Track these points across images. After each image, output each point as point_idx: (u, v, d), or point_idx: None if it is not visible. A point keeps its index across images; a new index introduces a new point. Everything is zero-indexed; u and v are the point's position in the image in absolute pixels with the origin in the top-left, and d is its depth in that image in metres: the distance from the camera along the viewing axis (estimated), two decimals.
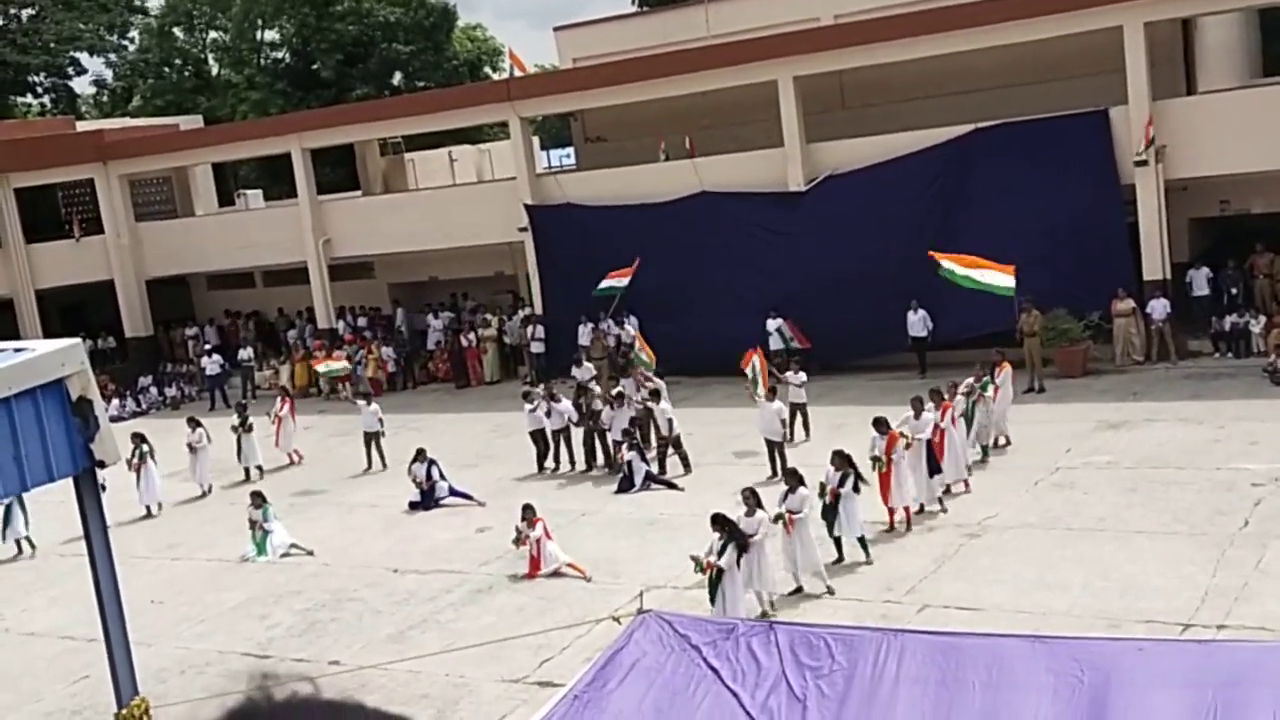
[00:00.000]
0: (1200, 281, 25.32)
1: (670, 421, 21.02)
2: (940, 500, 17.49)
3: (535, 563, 16.85)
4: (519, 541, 16.94)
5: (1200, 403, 21.60)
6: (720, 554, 13.56)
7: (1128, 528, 15.89)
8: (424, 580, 17.31)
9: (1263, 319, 24.43)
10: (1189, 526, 15.63)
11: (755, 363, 21.00)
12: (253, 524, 19.47)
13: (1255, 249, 25.76)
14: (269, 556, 19.10)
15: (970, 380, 19.49)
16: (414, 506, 20.81)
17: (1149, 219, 24.59)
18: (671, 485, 20.41)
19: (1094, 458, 19.10)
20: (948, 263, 22.67)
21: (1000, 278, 22.21)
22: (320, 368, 29.64)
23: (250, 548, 19.33)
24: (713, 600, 13.59)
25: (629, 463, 20.49)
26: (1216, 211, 26.46)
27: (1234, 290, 25.35)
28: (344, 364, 29.51)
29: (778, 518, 14.66)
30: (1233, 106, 24.80)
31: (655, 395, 21.72)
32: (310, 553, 19.10)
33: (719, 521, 13.87)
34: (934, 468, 17.29)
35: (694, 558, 13.88)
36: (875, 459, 16.61)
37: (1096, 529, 16.00)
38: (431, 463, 20.96)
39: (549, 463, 22.28)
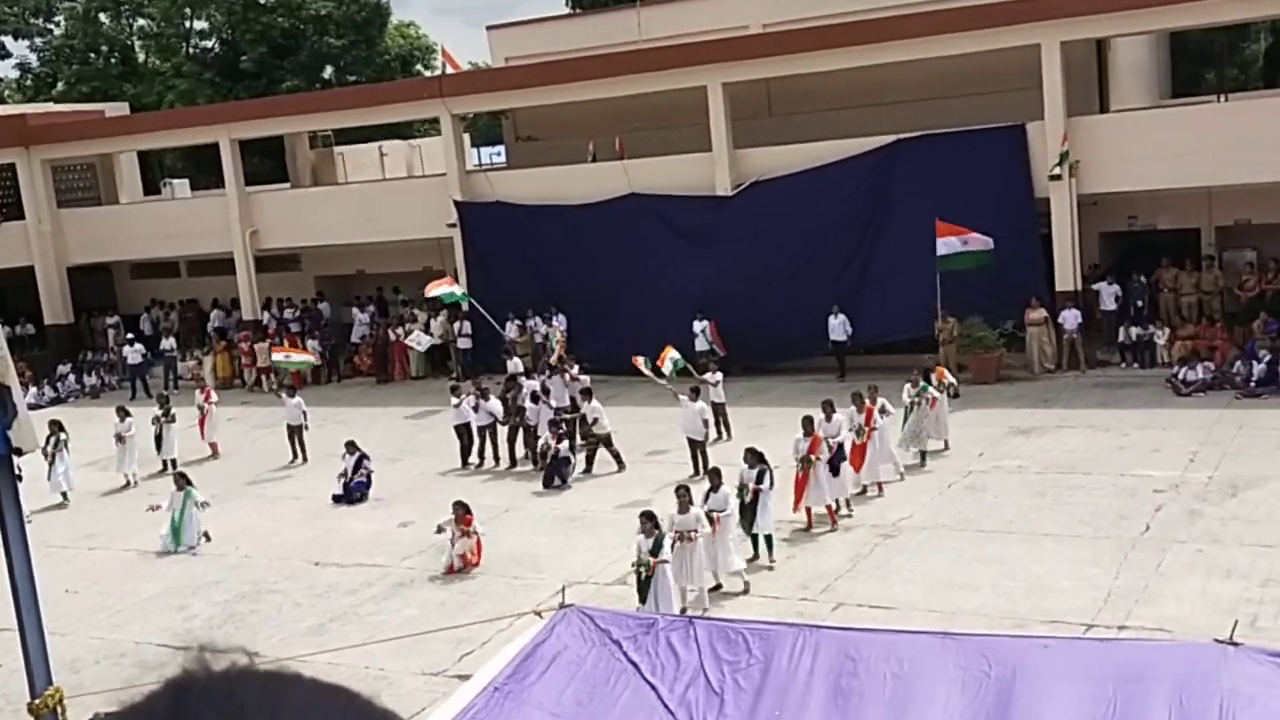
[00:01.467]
0: (1108, 294, 26.05)
1: (597, 420, 21.25)
2: (848, 503, 17.84)
3: (471, 560, 17.00)
4: (441, 530, 17.06)
5: (1107, 411, 22.27)
6: (656, 550, 13.76)
7: (1035, 530, 16.39)
8: (345, 573, 17.37)
9: (1167, 331, 25.24)
10: (1094, 530, 16.16)
11: (674, 357, 21.40)
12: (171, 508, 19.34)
13: (1160, 263, 26.57)
14: (186, 543, 19.03)
15: (908, 387, 19.87)
16: (337, 500, 20.85)
17: (1062, 232, 25.29)
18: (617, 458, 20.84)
19: (1005, 462, 19.65)
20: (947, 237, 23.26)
21: (979, 246, 23.06)
22: (278, 356, 29.37)
23: (166, 532, 19.18)
24: (643, 599, 13.70)
25: (556, 451, 20.57)
26: (1125, 226, 27.25)
27: (1140, 303, 26.12)
28: (307, 358, 29.03)
29: (706, 516, 14.85)
30: (1143, 125, 25.60)
31: (587, 394, 21.94)
32: (207, 536, 19.09)
33: (648, 518, 14.02)
34: (835, 469, 17.57)
35: (634, 564, 13.99)
36: (804, 460, 16.90)
37: (1006, 531, 16.49)
38: (362, 456, 21.02)
39: (473, 458, 22.42)
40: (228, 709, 0.99)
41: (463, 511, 16.99)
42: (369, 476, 21.09)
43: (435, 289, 27.14)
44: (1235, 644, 7.64)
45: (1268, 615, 13.01)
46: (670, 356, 21.55)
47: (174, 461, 23.85)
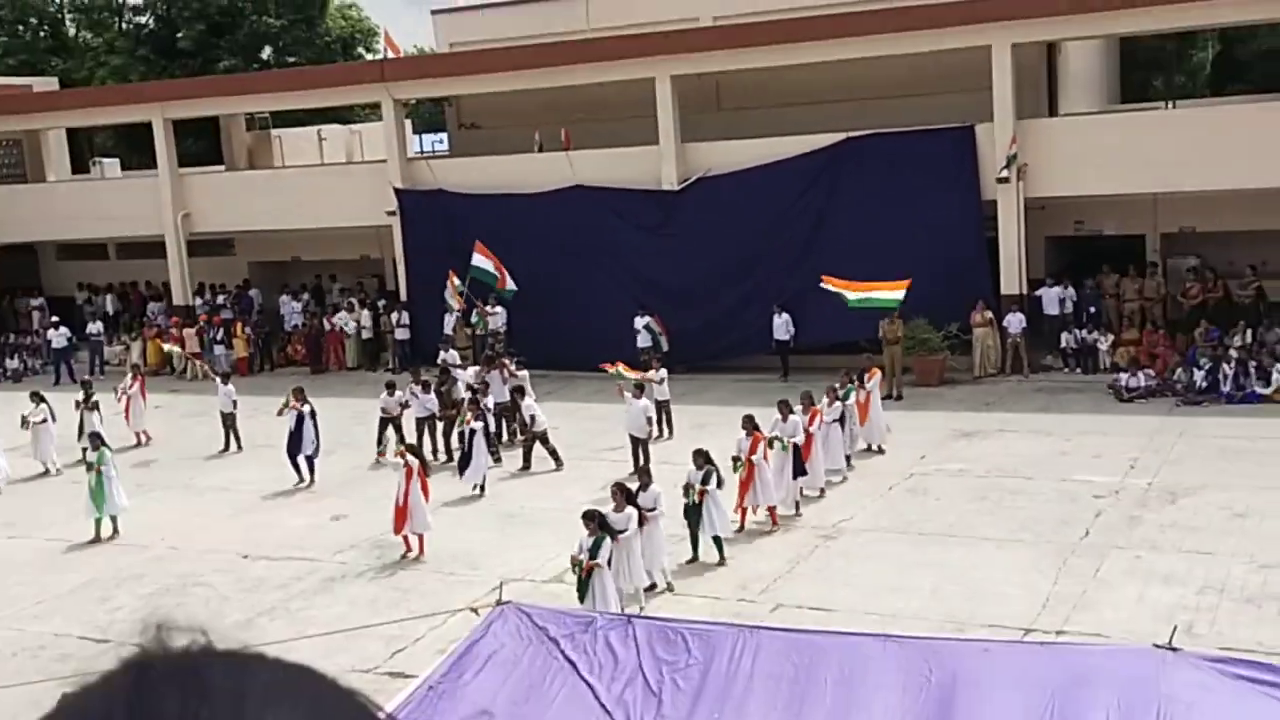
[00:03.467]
0: (1051, 299, 26.12)
1: (534, 418, 20.90)
2: (797, 504, 17.70)
3: (401, 514, 16.65)
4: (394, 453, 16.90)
5: (1049, 415, 22.32)
6: (594, 552, 13.46)
7: (976, 534, 16.32)
8: (275, 567, 16.94)
9: (1110, 337, 25.35)
10: (1034, 535, 16.11)
11: (620, 370, 21.16)
12: (89, 466, 18.80)
13: (1102, 269, 26.70)
14: (111, 505, 18.51)
15: (835, 387, 19.71)
16: (293, 459, 20.73)
17: (1008, 235, 25.34)
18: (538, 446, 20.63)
19: (947, 465, 19.59)
20: (840, 290, 23.09)
21: (890, 294, 22.83)
22: (171, 348, 28.99)
23: (90, 504, 18.62)
24: (582, 598, 13.41)
25: (472, 432, 19.77)
26: (1072, 231, 27.37)
27: (1094, 308, 26.21)
28: (172, 347, 29.54)
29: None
30: (1091, 130, 25.68)
31: (520, 391, 21.60)
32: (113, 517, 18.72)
33: (591, 518, 13.73)
34: (799, 470, 17.50)
35: (573, 559, 13.67)
36: (735, 459, 16.73)
37: (947, 534, 16.39)
38: (310, 411, 20.69)
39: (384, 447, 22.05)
40: (192, 688, 0.96)
41: (412, 463, 16.88)
42: (316, 431, 20.80)
43: (481, 261, 27.17)
44: (1174, 649, 7.64)
45: (1204, 622, 13.01)
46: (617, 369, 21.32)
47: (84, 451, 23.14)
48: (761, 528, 17.08)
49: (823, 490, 18.44)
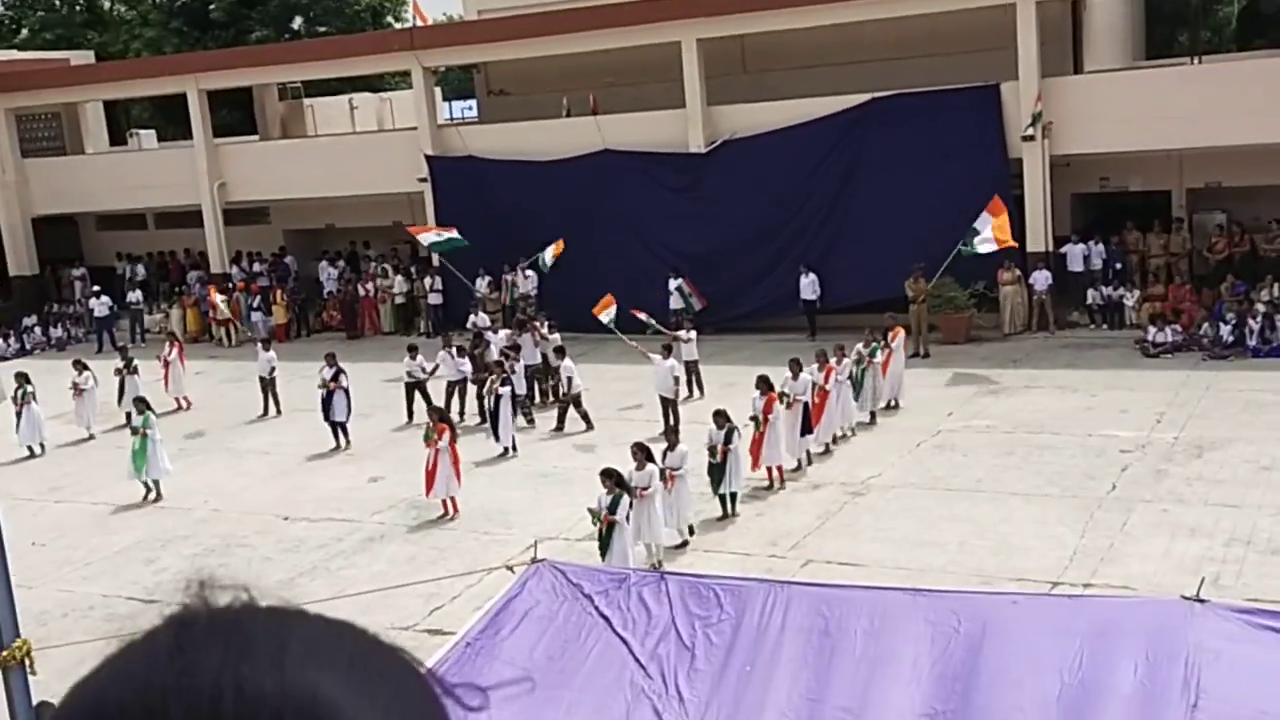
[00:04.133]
0: (1076, 256, 26.13)
1: (570, 380, 21.18)
2: (800, 462, 17.89)
3: (431, 477, 16.99)
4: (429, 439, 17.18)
5: (1075, 371, 22.42)
6: (613, 508, 13.82)
7: (1003, 489, 16.52)
8: (314, 528, 17.34)
9: (1137, 293, 25.37)
10: (1060, 489, 16.30)
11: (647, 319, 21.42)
12: (134, 430, 19.26)
13: (1126, 226, 26.67)
14: (153, 469, 18.92)
15: (859, 346, 19.96)
16: (325, 417, 21.08)
17: (1034, 193, 25.32)
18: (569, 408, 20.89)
19: (974, 421, 19.76)
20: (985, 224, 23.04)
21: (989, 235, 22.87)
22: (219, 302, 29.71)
23: (130, 466, 19.07)
24: (604, 554, 13.78)
25: (498, 397, 20.00)
26: (1097, 188, 27.31)
27: (1119, 265, 26.21)
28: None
29: (661, 474, 14.90)
30: (1117, 87, 25.58)
31: (560, 352, 21.85)
32: (156, 487, 19.12)
33: (609, 475, 14.07)
34: (806, 428, 17.73)
35: (591, 510, 14.12)
36: (753, 418, 16.99)
37: (974, 490, 16.61)
38: (339, 370, 21.00)
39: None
40: (233, 643, 0.97)
41: (438, 421, 17.10)
42: (348, 393, 21.11)
43: (422, 235, 27.13)
44: (1201, 601, 7.71)
45: (1230, 574, 13.16)
46: (608, 312, 21.59)
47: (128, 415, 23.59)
48: (787, 483, 17.32)
49: (828, 447, 18.67)
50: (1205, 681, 7.14)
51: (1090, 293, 25.74)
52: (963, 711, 7.54)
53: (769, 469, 17.26)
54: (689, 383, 21.94)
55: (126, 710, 0.94)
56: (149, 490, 19.14)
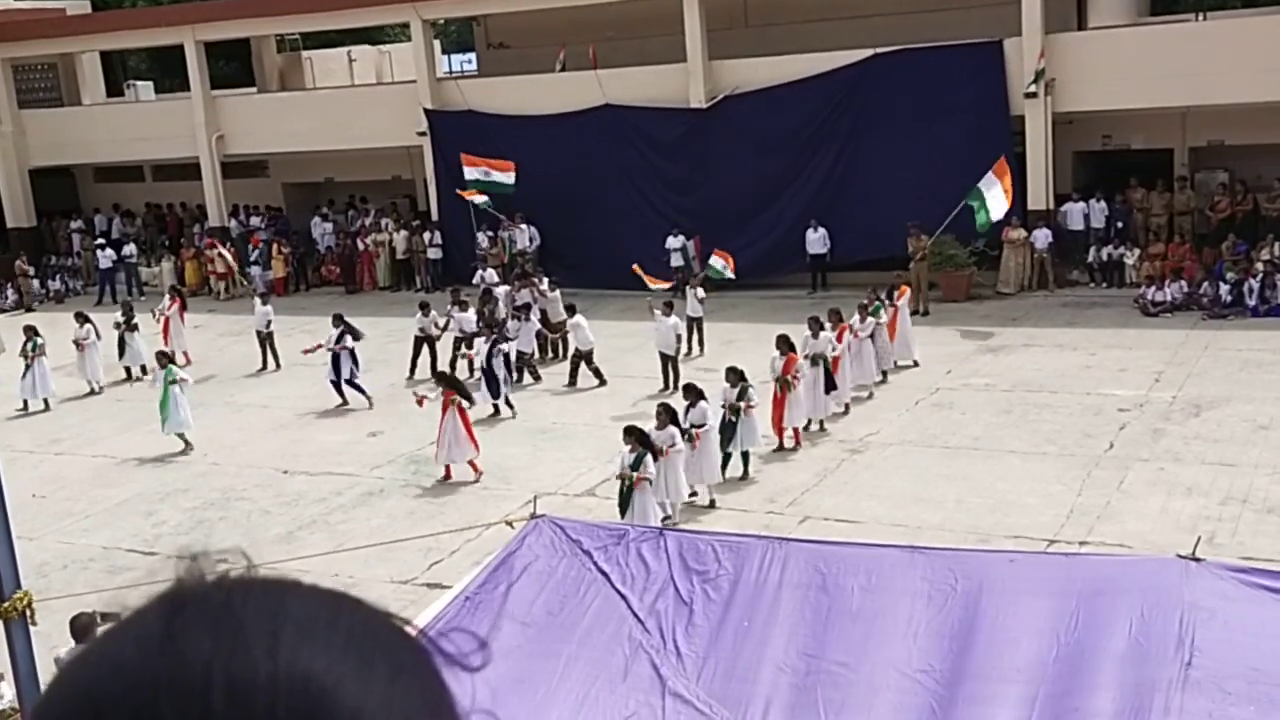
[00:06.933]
0: (1076, 214, 26.06)
1: (581, 335, 21.11)
2: (822, 423, 17.88)
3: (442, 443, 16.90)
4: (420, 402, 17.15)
5: (1075, 330, 22.43)
6: (635, 466, 13.78)
7: (1001, 447, 16.57)
8: (313, 482, 17.40)
9: (1137, 251, 25.33)
10: (1058, 448, 16.34)
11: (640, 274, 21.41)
12: (167, 384, 19.20)
13: (1129, 183, 26.58)
14: (174, 422, 18.95)
15: (863, 303, 19.86)
16: (334, 384, 20.82)
17: (1036, 150, 25.22)
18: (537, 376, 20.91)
19: (973, 379, 19.79)
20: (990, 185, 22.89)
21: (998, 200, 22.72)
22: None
23: (158, 411, 19.11)
24: (624, 513, 13.67)
25: (490, 358, 19.66)
26: (1099, 146, 27.20)
27: (1120, 224, 26.14)
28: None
29: (684, 432, 14.74)
30: (1120, 44, 25.40)
31: (571, 309, 21.79)
32: (186, 441, 19.18)
33: (631, 433, 13.94)
34: (830, 385, 17.71)
35: (619, 477, 13.90)
36: (779, 380, 16.78)
37: (972, 448, 16.65)
38: (346, 329, 20.85)
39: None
40: (225, 629, 0.94)
41: (447, 388, 16.93)
42: (354, 354, 20.93)
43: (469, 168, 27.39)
44: (1197, 559, 7.75)
45: (1225, 532, 13.23)
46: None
47: (143, 368, 23.64)
48: (790, 444, 17.35)
49: (847, 406, 18.70)
50: (1199, 640, 7.17)
51: (1092, 251, 25.69)
52: (959, 669, 7.59)
53: (781, 432, 17.05)
54: (690, 339, 21.92)
55: (116, 704, 0.92)
56: (186, 445, 19.17)
